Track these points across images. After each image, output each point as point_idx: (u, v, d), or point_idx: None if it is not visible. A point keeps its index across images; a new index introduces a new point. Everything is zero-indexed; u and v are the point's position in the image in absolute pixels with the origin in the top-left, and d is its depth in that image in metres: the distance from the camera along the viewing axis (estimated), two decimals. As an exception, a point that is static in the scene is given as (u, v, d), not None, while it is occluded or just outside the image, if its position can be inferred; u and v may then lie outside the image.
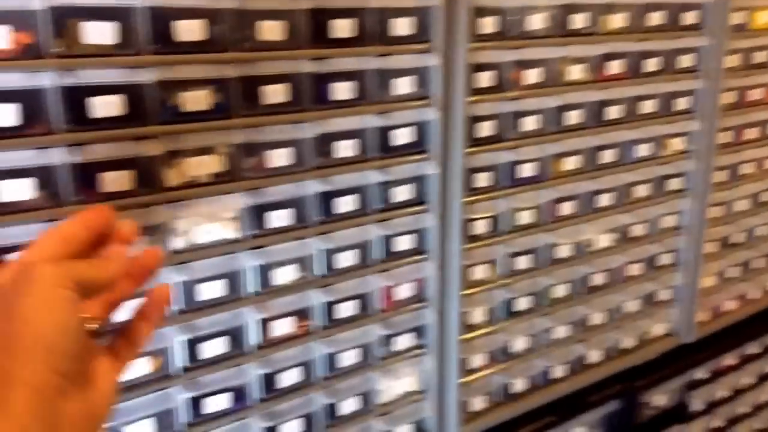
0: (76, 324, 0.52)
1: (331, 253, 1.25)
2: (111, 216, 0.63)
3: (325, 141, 1.19)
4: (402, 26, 1.21)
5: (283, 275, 1.21)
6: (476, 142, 1.37)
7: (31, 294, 0.50)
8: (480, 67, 1.33)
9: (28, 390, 0.47)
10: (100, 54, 0.94)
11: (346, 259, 1.27)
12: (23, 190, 0.91)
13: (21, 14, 0.87)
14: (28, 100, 0.90)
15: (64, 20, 0.90)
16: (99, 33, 0.92)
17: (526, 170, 1.47)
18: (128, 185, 1.00)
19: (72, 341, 0.51)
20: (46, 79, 0.90)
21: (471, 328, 1.49)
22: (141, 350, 0.67)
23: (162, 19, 0.97)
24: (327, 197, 1.22)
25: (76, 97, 0.93)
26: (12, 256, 0.58)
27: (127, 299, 0.68)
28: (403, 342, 1.40)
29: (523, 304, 1.57)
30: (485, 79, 1.35)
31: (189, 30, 0.99)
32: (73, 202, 0.96)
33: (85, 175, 0.96)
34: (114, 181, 0.99)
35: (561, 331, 1.65)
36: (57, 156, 0.93)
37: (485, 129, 1.38)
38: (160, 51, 0.98)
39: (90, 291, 0.56)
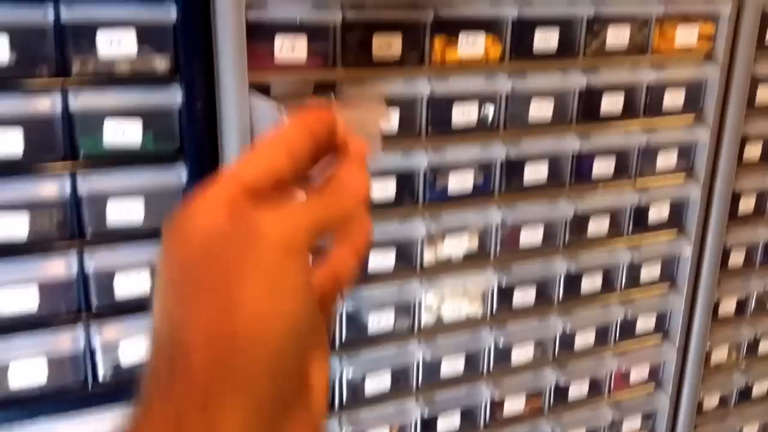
0: (311, 310, 0.35)
1: (569, 333, 1.18)
2: (335, 121, 0.41)
3: (579, 218, 1.12)
4: (671, 98, 1.11)
5: (521, 354, 1.15)
6: (735, 217, 1.24)
7: (254, 265, 0.33)
8: (749, 139, 1.20)
9: (242, 408, 0.32)
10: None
11: (585, 339, 1.20)
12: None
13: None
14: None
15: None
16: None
17: (786, 248, 1.32)
18: (390, 264, 1.00)
19: (303, 337, 0.35)
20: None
21: (702, 412, 1.37)
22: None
23: (440, 104, 0.95)
24: (573, 276, 1.15)
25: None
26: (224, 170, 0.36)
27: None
28: (632, 425, 1.30)
29: (761, 389, 1.42)
30: (755, 150, 1.21)
31: (465, 113, 0.96)
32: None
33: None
34: (378, 259, 0.99)
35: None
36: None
37: (747, 204, 1.25)
38: (434, 134, 0.96)
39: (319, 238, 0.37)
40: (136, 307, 0.86)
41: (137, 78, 0.79)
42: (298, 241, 0.34)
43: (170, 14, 0.77)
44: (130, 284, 0.84)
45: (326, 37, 0.87)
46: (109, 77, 0.78)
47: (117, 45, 0.76)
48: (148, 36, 0.78)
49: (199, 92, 0.81)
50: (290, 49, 0.84)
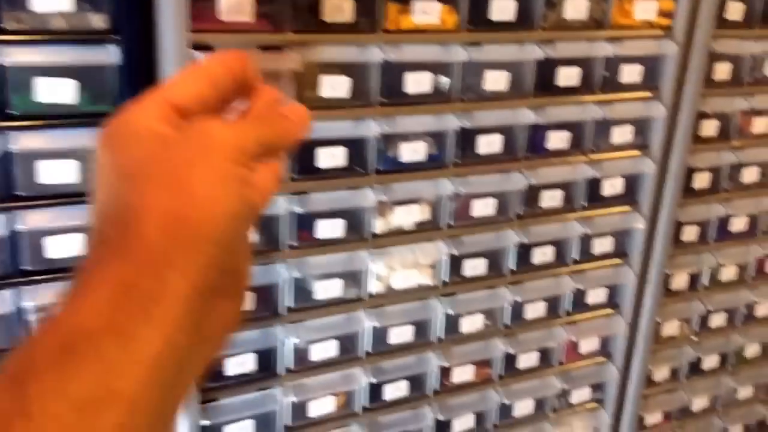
0: (247, 213, 0.40)
1: (520, 303, 1.19)
2: (250, 63, 0.45)
3: (533, 190, 1.12)
4: (629, 74, 1.10)
5: (471, 324, 1.16)
6: (689, 193, 1.25)
7: (205, 167, 0.38)
8: (705, 116, 1.20)
9: (189, 280, 0.36)
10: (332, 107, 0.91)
11: (536, 311, 1.21)
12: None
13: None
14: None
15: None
16: (332, 86, 0.89)
17: (739, 224, 1.34)
18: (340, 233, 0.99)
19: (239, 235, 0.41)
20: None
21: (652, 384, 1.40)
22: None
23: (393, 72, 0.93)
24: (525, 247, 1.15)
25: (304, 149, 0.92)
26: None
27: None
28: (581, 395, 1.33)
29: (711, 362, 1.45)
30: (710, 127, 1.22)
31: (418, 82, 0.95)
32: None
33: (303, 222, 0.96)
34: (326, 228, 0.98)
35: (745, 392, 1.52)
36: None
37: (702, 180, 1.25)
38: (386, 103, 0.94)
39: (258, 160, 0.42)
40: (69, 269, 0.84)
41: (73, 35, 0.76)
42: (245, 153, 0.39)
43: (107, -30, 0.74)
44: (63, 246, 0.83)
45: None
46: (42, 33, 0.75)
47: (51, 0, 0.73)
48: (84, -8, 0.75)
49: (138, 52, 0.78)
50: (236, 9, 0.82)
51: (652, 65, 1.12)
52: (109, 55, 0.77)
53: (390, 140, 0.99)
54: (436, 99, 1.00)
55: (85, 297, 0.33)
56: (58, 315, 0.33)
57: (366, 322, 1.07)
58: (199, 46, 0.81)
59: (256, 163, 0.40)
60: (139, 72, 0.80)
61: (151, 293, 0.34)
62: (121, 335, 0.32)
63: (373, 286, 1.07)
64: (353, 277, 1.05)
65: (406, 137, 1.01)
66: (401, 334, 1.11)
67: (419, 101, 0.98)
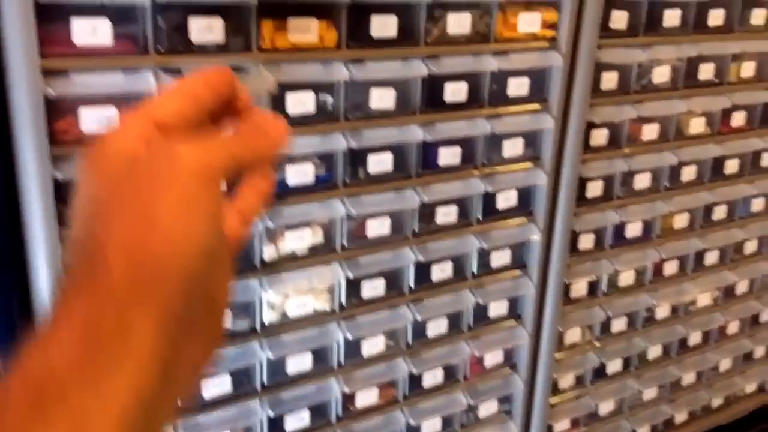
0: (219, 237, 0.37)
1: (421, 322, 1.17)
2: (234, 80, 0.43)
3: (427, 208, 1.10)
4: (517, 87, 1.10)
5: (373, 346, 1.13)
6: (583, 202, 1.26)
7: (170, 191, 0.35)
8: (594, 125, 1.22)
9: (155, 321, 0.34)
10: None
11: (438, 328, 1.19)
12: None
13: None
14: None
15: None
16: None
17: (634, 230, 1.36)
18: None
19: (213, 260, 0.37)
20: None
21: (558, 392, 1.40)
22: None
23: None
24: (423, 265, 1.13)
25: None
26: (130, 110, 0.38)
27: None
28: (488, 408, 1.32)
29: (614, 366, 1.47)
30: (600, 136, 1.23)
31: (301, 102, 0.91)
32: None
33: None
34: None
35: (650, 393, 1.55)
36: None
37: (594, 189, 1.27)
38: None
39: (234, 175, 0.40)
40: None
41: None
42: (213, 172, 0.37)
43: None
44: None
45: (135, 20, 0.79)
46: None
47: None
48: None
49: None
50: (90, 32, 0.76)
51: (539, 77, 1.12)
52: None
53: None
54: (321, 119, 0.96)
55: (55, 336, 0.32)
56: (30, 353, 0.32)
57: (261, 353, 1.02)
58: (50, 72, 0.75)
59: (236, 184, 0.40)
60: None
61: (115, 335, 0.32)
62: (89, 386, 0.31)
63: (267, 316, 1.02)
64: (244, 308, 1.00)
65: (293, 159, 0.97)
66: (300, 363, 1.07)
67: (304, 122, 0.95)
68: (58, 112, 0.78)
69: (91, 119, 0.79)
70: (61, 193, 0.79)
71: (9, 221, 0.79)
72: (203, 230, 0.36)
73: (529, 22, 1.06)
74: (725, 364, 1.67)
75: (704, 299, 1.56)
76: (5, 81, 0.75)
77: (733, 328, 1.64)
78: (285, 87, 0.91)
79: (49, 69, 0.75)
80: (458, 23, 1.00)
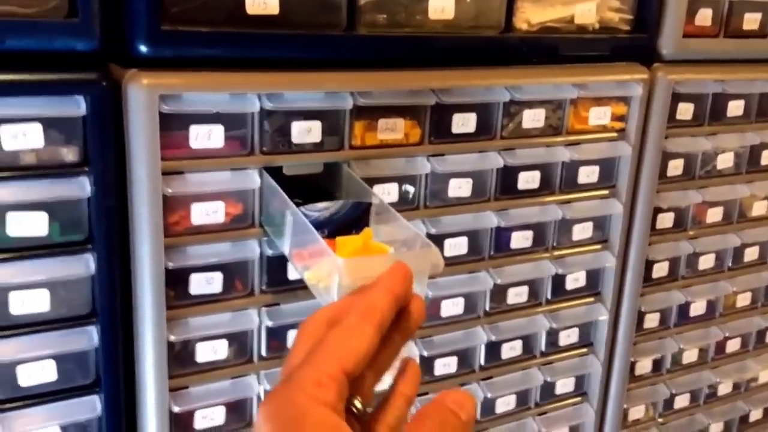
0: None
1: (491, 399, 1.20)
2: (410, 279, 0.46)
3: (499, 288, 1.14)
4: (587, 174, 1.15)
5: (443, 422, 1.16)
6: (650, 282, 1.29)
7: None
8: (661, 209, 1.25)
9: None
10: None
11: (506, 404, 1.22)
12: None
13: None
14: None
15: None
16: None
17: (698, 309, 1.38)
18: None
19: None
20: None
21: (622, 468, 1.41)
22: None
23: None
24: (494, 344, 1.17)
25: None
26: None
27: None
28: (553, 484, 1.33)
29: (678, 441, 1.47)
30: (666, 220, 1.26)
31: (385, 192, 0.97)
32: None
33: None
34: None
35: (713, 469, 1.54)
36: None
37: (660, 270, 1.30)
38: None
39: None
40: (41, 397, 0.83)
41: (43, 169, 0.77)
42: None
43: (79, 109, 0.76)
44: (35, 375, 0.82)
45: (244, 124, 0.87)
46: (13, 169, 0.76)
47: (22, 138, 0.74)
48: (55, 128, 0.76)
49: (109, 183, 0.79)
50: (206, 137, 0.83)
51: (608, 164, 1.17)
52: (81, 187, 0.78)
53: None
54: (403, 207, 1.02)
55: None
56: None
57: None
58: (168, 172, 0.82)
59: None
60: (111, 201, 0.80)
61: None
62: None
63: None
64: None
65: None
66: None
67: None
68: (170, 207, 0.85)
69: (200, 212, 0.86)
70: (169, 281, 0.86)
71: (123, 308, 0.86)
72: None
73: (599, 115, 1.11)
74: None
75: (765, 376, 1.56)
76: (126, 179, 0.83)
77: (797, 405, 1.63)
78: (372, 180, 0.97)
79: (167, 170, 0.82)
80: (533, 118, 1.05)
